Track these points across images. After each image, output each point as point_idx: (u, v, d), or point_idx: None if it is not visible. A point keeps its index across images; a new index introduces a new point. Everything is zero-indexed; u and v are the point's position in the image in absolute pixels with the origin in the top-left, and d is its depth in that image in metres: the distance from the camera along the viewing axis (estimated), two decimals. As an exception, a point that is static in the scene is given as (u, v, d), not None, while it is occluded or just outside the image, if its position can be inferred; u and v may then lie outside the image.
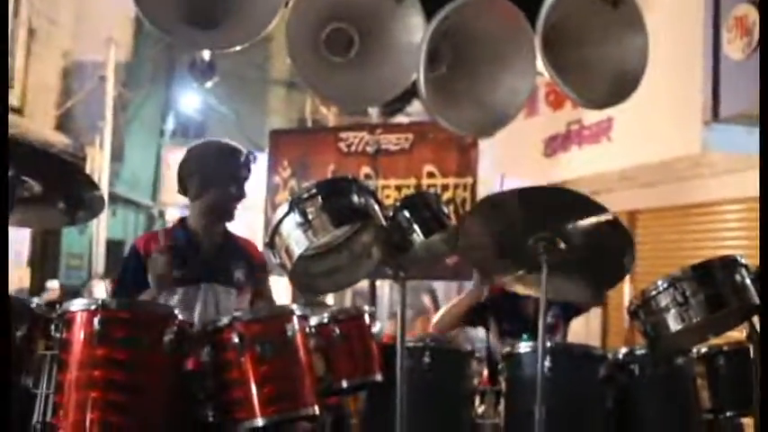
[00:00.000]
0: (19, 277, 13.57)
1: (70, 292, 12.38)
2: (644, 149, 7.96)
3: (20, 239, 14.90)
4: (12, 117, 15.43)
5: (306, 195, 2.65)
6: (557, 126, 9.24)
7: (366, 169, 7.35)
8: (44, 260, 16.52)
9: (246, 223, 3.79)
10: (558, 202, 3.10)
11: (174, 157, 18.82)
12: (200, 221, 3.50)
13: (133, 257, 3.42)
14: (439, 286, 11.23)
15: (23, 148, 2.66)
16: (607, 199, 10.02)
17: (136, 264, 3.38)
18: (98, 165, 16.58)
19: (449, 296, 12.90)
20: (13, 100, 15.47)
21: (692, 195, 8.85)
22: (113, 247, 17.56)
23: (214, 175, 3.46)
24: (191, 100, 21.37)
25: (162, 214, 20.34)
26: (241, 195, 3.49)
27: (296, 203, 2.63)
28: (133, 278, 3.36)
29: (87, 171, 16.82)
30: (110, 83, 16.78)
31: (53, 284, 13.12)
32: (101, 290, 12.34)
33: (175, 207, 18.67)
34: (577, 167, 9.23)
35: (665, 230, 9.41)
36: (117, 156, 18.25)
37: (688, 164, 7.96)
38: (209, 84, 4.22)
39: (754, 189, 7.82)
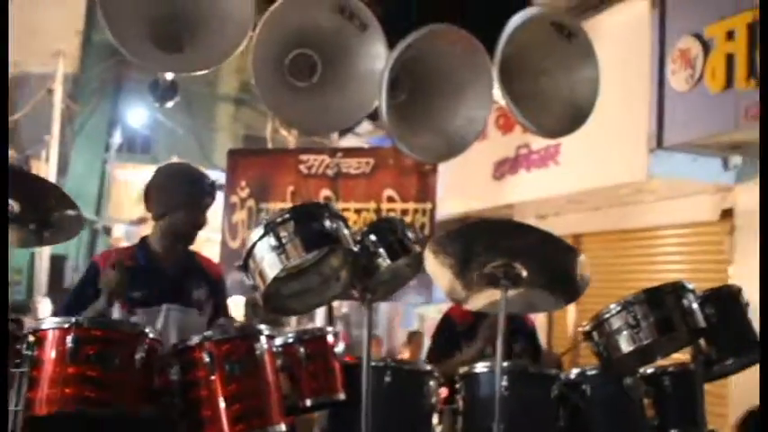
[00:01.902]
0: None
1: (12, 308, 12.19)
2: (590, 174, 8.17)
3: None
4: (-45, 129, 15.18)
5: (280, 219, 2.76)
6: (506, 150, 9.42)
7: (326, 192, 7.44)
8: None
9: (201, 240, 3.85)
10: (507, 231, 3.25)
11: (121, 173, 18.73)
12: (161, 242, 3.55)
13: (92, 273, 3.44)
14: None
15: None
16: (554, 222, 10.30)
17: (94, 279, 3.39)
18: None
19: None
20: (-43, 111, 15.17)
21: (634, 220, 9.08)
22: (56, 262, 17.35)
23: (179, 199, 3.52)
24: (138, 115, 21.22)
25: (107, 230, 20.12)
26: (203, 222, 3.56)
27: (270, 227, 2.73)
28: (91, 293, 3.35)
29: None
30: (57, 96, 16.60)
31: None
32: (45, 306, 12.18)
33: (121, 223, 18.53)
34: (525, 191, 9.41)
35: (608, 253, 9.63)
36: (61, 170, 18.04)
37: (632, 189, 8.19)
38: (169, 104, 4.25)
39: (693, 215, 8.16)
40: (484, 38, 4.18)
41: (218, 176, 5.58)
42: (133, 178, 18.59)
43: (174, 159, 18.38)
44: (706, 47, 6.79)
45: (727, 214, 7.74)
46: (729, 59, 6.50)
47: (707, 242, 8.16)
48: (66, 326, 2.71)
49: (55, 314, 3.43)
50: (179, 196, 3.52)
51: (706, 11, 6.87)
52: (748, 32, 6.33)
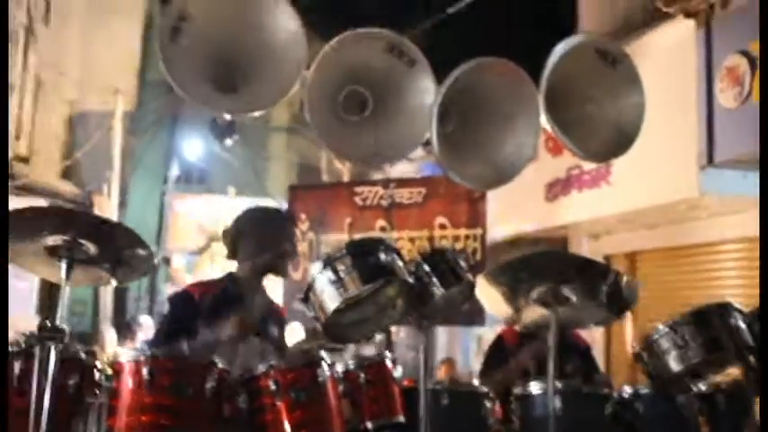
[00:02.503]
0: (28, 325, 13.66)
1: (80, 338, 12.53)
2: (642, 193, 8.22)
3: (28, 287, 15.09)
4: (19, 166, 15.70)
5: (338, 255, 2.94)
6: (557, 171, 9.50)
7: (381, 222, 7.65)
8: (51, 307, 16.67)
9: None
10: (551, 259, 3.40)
11: (179, 204, 19.10)
12: (250, 280, 3.78)
13: (187, 302, 3.68)
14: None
15: (81, 216, 2.93)
16: (607, 241, 10.33)
17: (190, 309, 3.63)
18: (106, 213, 16.82)
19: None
20: (21, 149, 15.70)
21: (689, 236, 9.07)
22: (119, 293, 17.75)
23: (270, 238, 3.77)
24: (194, 147, 21.64)
25: (167, 260, 20.52)
26: (295, 254, 3.84)
27: (329, 262, 2.92)
28: (187, 323, 3.59)
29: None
30: (117, 133, 17.09)
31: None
32: (112, 335, 12.48)
33: (181, 254, 18.87)
34: (578, 211, 9.47)
35: (664, 271, 9.63)
36: (122, 203, 18.50)
37: (685, 206, 8.21)
38: (228, 142, 4.47)
39: (749, 230, 8.14)
40: (530, 65, 4.31)
41: (272, 205, 5.80)
42: (191, 209, 18.96)
43: (231, 190, 18.76)
44: (753, 63, 6.82)
45: (780, 228, 7.72)
46: (776, 75, 6.54)
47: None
48: (143, 358, 2.91)
49: (152, 343, 3.65)
50: (269, 236, 3.78)
51: (751, 27, 6.91)
52: (794, 47, 6.37)
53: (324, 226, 7.96)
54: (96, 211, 17.33)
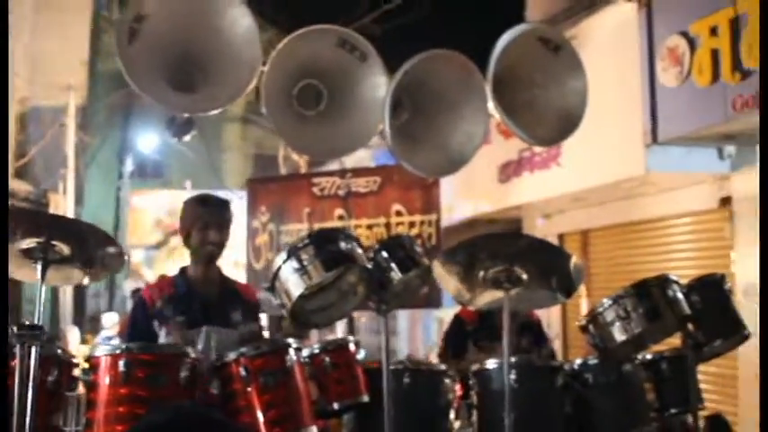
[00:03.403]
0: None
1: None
2: (591, 173, 8.47)
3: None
4: (-29, 166, 15.54)
5: (301, 244, 3.12)
6: (509, 153, 9.72)
7: (339, 211, 7.84)
8: (10, 308, 16.57)
9: (229, 263, 4.18)
10: (505, 240, 3.58)
11: (136, 199, 19.08)
12: (195, 269, 3.89)
13: (140, 307, 3.81)
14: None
15: (53, 218, 3.06)
16: (560, 220, 10.61)
17: (143, 313, 3.76)
18: (62, 211, 16.75)
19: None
20: (-27, 149, 15.51)
21: (639, 212, 9.36)
22: (77, 291, 17.69)
23: (191, 223, 3.87)
24: (148, 140, 21.58)
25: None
26: (214, 239, 3.84)
27: (293, 252, 3.10)
28: (143, 327, 3.72)
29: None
30: (70, 129, 16.99)
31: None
32: (75, 334, 12.54)
33: (139, 248, 18.87)
34: (531, 192, 9.72)
35: (616, 247, 9.92)
36: (77, 200, 18.41)
37: (633, 184, 8.48)
38: (186, 138, 4.54)
39: (693, 204, 8.43)
40: (478, 51, 4.48)
41: (230, 196, 5.90)
42: (146, 204, 18.96)
43: (187, 183, 18.76)
44: (692, 43, 7.07)
45: (726, 202, 8.01)
46: (714, 54, 6.79)
47: (708, 230, 8.44)
48: (118, 352, 3.06)
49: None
50: (190, 222, 3.87)
51: (690, 9, 7.16)
52: (731, 28, 6.62)
53: (283, 217, 8.14)
54: (52, 210, 17.25)
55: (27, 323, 2.86)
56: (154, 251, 17.65)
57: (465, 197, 9.85)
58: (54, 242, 3.05)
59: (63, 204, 16.91)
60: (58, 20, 19.37)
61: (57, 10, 19.33)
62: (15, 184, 17.74)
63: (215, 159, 21.91)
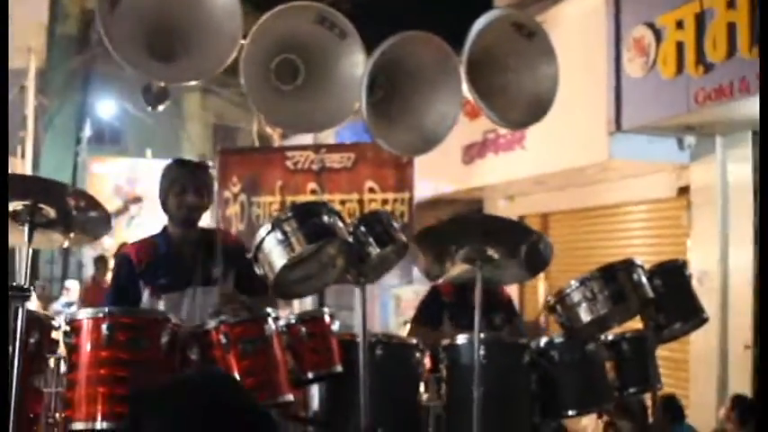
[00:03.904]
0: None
1: None
2: (555, 157, 8.64)
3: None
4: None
5: (284, 217, 3.20)
6: (474, 134, 9.85)
7: (312, 185, 7.93)
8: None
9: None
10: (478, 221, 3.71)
11: (94, 166, 18.86)
12: (174, 229, 3.95)
13: (127, 265, 3.86)
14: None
15: (38, 181, 3.10)
16: (522, 202, 10.78)
17: (128, 272, 3.82)
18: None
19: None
20: (-72, 110, 15.25)
21: (598, 198, 9.56)
22: (32, 256, 17.49)
23: (168, 186, 3.93)
24: (107, 107, 21.34)
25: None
26: (191, 203, 3.89)
27: (276, 224, 3.18)
28: (128, 286, 3.80)
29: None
30: (30, 92, 16.76)
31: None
32: (32, 301, 12.48)
33: (97, 214, 18.65)
34: (494, 173, 9.86)
35: (574, 230, 10.12)
36: (34, 164, 18.18)
37: (595, 170, 8.66)
38: (161, 107, 4.54)
39: (654, 192, 8.64)
40: (449, 35, 4.57)
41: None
42: (106, 170, 18.73)
43: (147, 151, 18.63)
44: (658, 35, 7.24)
45: (684, 191, 8.24)
46: (679, 47, 6.96)
47: (666, 217, 8.66)
48: (101, 315, 3.11)
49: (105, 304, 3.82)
50: (166, 182, 3.94)
51: (658, 1, 7.32)
52: (696, 22, 6.78)
53: (255, 189, 8.20)
54: (11, 173, 17.02)
55: (15, 284, 2.90)
56: (113, 219, 17.50)
57: (428, 176, 9.96)
58: (41, 205, 3.09)
59: (21, 168, 16.69)
60: (18, -20, 19.04)
61: (17, -30, 18.96)
62: (-29, 147, 17.49)
63: (175, 128, 21.77)
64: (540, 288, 10.16)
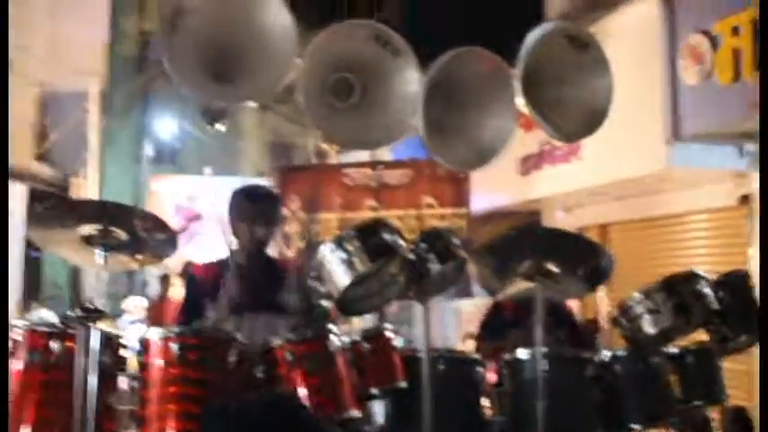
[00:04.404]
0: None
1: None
2: (612, 167, 8.58)
3: (13, 269, 15.27)
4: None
5: (347, 236, 3.28)
6: (530, 146, 9.82)
7: (370, 202, 8.01)
8: (30, 291, 16.84)
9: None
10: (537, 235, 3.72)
11: (154, 184, 19.17)
12: (242, 256, 4.05)
13: (193, 285, 4.04)
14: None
15: (110, 206, 3.22)
16: (580, 214, 10.70)
17: (196, 291, 3.98)
18: (84, 195, 16.93)
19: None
20: (-8, 132, 15.67)
21: (658, 208, 9.46)
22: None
23: (237, 218, 4.05)
24: (166, 126, 21.69)
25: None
26: (264, 237, 4.02)
27: (339, 243, 3.25)
28: (197, 305, 3.94)
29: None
30: (93, 114, 17.13)
31: (46, 315, 13.49)
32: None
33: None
34: (551, 185, 9.82)
35: (634, 242, 10.01)
36: (98, 184, 18.54)
37: (653, 179, 8.58)
38: (220, 126, 4.68)
39: (713, 201, 8.52)
40: (502, 44, 4.60)
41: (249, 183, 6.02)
42: (165, 189, 19.02)
43: (206, 169, 18.89)
44: (714, 42, 7.17)
45: (745, 199, 8.12)
46: (736, 54, 6.89)
47: (727, 226, 8.53)
48: (171, 335, 3.21)
49: (176, 322, 3.95)
50: (235, 212, 4.07)
51: (712, 8, 7.26)
52: (752, 28, 6.71)
53: (314, 206, 8.32)
54: (74, 194, 17.42)
55: (89, 306, 3.01)
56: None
57: (484, 189, 9.96)
58: (112, 228, 3.20)
59: (84, 188, 17.08)
60: (77, 2, 19.49)
61: (74, -8, 19.43)
62: (38, 168, 17.92)
63: (233, 146, 22.03)
64: (601, 300, 10.06)
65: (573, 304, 5.46)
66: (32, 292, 17.29)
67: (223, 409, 2.35)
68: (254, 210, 4.01)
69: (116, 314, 13.47)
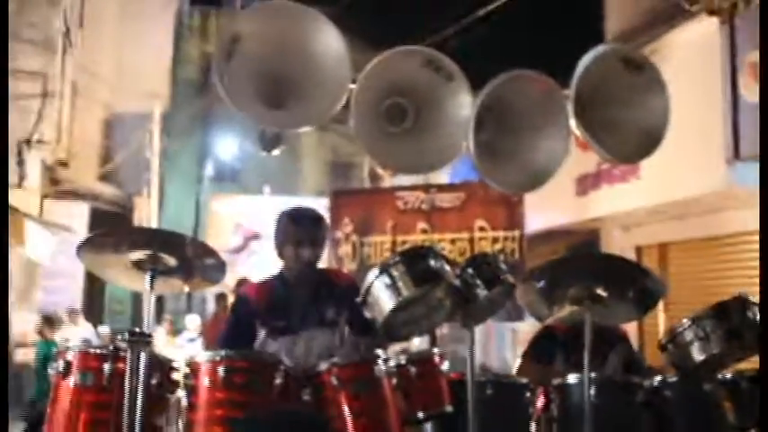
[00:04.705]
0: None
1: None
2: (671, 186, 8.46)
3: (75, 286, 15.64)
4: (60, 170, 16.17)
5: (392, 261, 3.30)
6: (587, 166, 9.74)
7: (422, 225, 8.05)
8: (92, 307, 17.22)
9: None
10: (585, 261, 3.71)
11: (215, 204, 19.48)
12: (291, 273, 4.08)
13: (243, 305, 4.06)
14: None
15: (159, 232, 3.31)
16: (639, 233, 10.55)
17: (245, 312, 4.00)
18: (146, 214, 17.28)
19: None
20: (61, 153, 16.13)
21: (719, 227, 9.28)
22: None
23: (284, 240, 4.08)
24: (226, 146, 22.01)
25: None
26: (311, 258, 4.03)
27: (384, 268, 3.27)
28: (245, 325, 3.97)
29: (135, 220, 17.65)
30: (155, 135, 17.50)
31: (104, 330, 13.78)
32: (159, 336, 12.95)
33: (219, 252, 19.21)
34: (609, 205, 9.73)
35: (694, 261, 9.84)
36: (159, 203, 18.91)
37: (713, 198, 8.43)
38: (275, 151, 4.73)
39: (776, 221, 8.29)
40: (558, 64, 4.57)
41: (310, 205, 6.04)
42: (226, 208, 19.33)
43: (266, 188, 19.11)
44: (776, 59, 7.03)
45: (809, 219, 7.91)
46: (798, 71, 6.74)
47: (789, 246, 8.33)
48: (218, 358, 3.26)
49: (219, 343, 4.00)
50: (281, 235, 4.09)
51: (773, 25, 7.12)
52: (815, 44, 6.57)
53: (367, 229, 8.39)
54: (137, 213, 17.81)
55: (137, 330, 3.08)
56: (233, 255, 17.99)
57: (540, 209, 9.91)
58: (161, 254, 3.28)
59: (147, 208, 17.45)
60: (143, 29, 19.97)
61: (140, 19, 19.92)
62: (102, 188, 18.36)
63: (292, 165, 22.28)
64: (661, 319, 9.91)
65: (628, 328, 5.38)
66: (95, 308, 17.73)
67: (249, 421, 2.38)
68: (299, 232, 4.04)
69: (178, 330, 13.72)
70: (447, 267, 3.38)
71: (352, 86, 4.28)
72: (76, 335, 12.98)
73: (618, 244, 10.53)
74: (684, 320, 3.69)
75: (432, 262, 3.32)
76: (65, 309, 13.48)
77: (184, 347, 11.98)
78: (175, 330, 13.84)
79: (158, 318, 16.70)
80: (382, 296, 3.26)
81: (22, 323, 13.04)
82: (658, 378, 3.86)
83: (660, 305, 8.57)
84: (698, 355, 3.64)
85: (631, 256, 10.24)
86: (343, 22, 4.41)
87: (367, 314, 3.35)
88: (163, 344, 12.82)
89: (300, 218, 4.12)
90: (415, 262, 3.30)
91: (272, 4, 4.21)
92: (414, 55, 4.36)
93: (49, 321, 11.41)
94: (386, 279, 3.25)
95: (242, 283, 11.34)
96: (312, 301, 4.01)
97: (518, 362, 5.01)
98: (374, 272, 3.31)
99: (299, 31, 4.24)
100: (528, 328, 11.03)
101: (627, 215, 9.90)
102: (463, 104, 4.40)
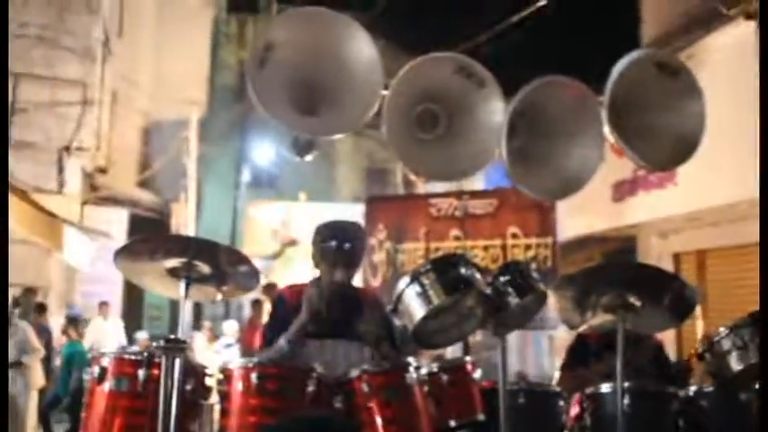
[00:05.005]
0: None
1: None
2: (708, 193, 8.38)
3: (115, 292, 15.82)
4: (99, 177, 16.38)
5: (422, 270, 3.30)
6: (623, 172, 9.68)
7: (455, 232, 8.05)
8: (131, 312, 17.41)
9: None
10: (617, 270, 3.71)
11: (253, 210, 19.62)
12: (327, 285, 4.07)
13: (283, 304, 4.04)
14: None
15: (194, 241, 3.35)
16: (676, 240, 10.44)
17: (285, 310, 3.98)
18: (183, 220, 17.43)
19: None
20: (101, 160, 16.34)
21: (756, 234, 9.13)
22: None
23: (320, 257, 4.02)
24: (264, 151, 22.16)
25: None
26: (344, 281, 3.94)
27: (415, 277, 3.28)
28: (285, 321, 3.92)
29: (173, 226, 17.81)
30: (192, 142, 17.65)
31: (142, 335, 13.92)
32: (198, 341, 13.04)
33: (256, 259, 19.33)
34: (646, 211, 9.65)
35: (733, 268, 9.71)
36: (197, 209, 19.06)
37: (751, 205, 8.31)
38: (308, 157, 4.75)
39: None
40: (592, 70, 4.54)
41: (345, 211, 6.03)
42: (262, 214, 19.46)
43: (301, 194, 19.20)
44: (814, 64, 6.92)
45: None
46: (838, 76, 6.64)
47: (829, 253, 8.19)
48: (251, 365, 3.28)
49: (262, 347, 4.02)
50: (318, 251, 4.02)
51: (812, 28, 7.02)
52: None
53: (401, 235, 8.41)
54: (174, 219, 17.97)
55: (173, 336, 3.11)
56: (270, 261, 18.11)
57: (576, 215, 9.85)
58: (195, 262, 3.31)
59: (184, 214, 17.60)
60: (180, 37, 20.18)
61: (178, 27, 20.14)
62: (140, 194, 18.57)
63: (328, 171, 22.36)
64: (699, 327, 9.79)
65: (664, 337, 5.33)
66: (134, 314, 17.93)
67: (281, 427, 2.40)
68: (336, 254, 3.93)
69: (217, 336, 13.83)
70: (478, 275, 3.38)
71: (385, 93, 4.29)
72: (103, 331, 13.15)
73: (655, 251, 10.43)
74: (722, 329, 3.65)
75: (462, 270, 3.31)
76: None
77: (222, 353, 12.06)
78: (214, 336, 13.95)
79: (198, 324, 16.88)
80: (413, 304, 3.27)
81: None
82: (694, 388, 3.82)
83: (698, 313, 8.50)
84: (736, 365, 3.59)
85: (669, 263, 10.16)
86: (376, 28, 4.41)
87: (397, 322, 3.36)
88: (201, 349, 12.93)
89: (340, 238, 3.99)
90: (446, 270, 3.30)
91: (305, 11, 4.21)
92: (446, 61, 4.36)
93: (74, 322, 11.59)
94: (416, 287, 3.26)
95: (269, 288, 11.43)
96: (342, 315, 3.99)
97: (556, 374, 4.98)
98: (405, 280, 3.31)
99: (331, 38, 4.26)
100: (565, 335, 10.97)
101: (664, 221, 9.82)
102: (495, 111, 4.39)
